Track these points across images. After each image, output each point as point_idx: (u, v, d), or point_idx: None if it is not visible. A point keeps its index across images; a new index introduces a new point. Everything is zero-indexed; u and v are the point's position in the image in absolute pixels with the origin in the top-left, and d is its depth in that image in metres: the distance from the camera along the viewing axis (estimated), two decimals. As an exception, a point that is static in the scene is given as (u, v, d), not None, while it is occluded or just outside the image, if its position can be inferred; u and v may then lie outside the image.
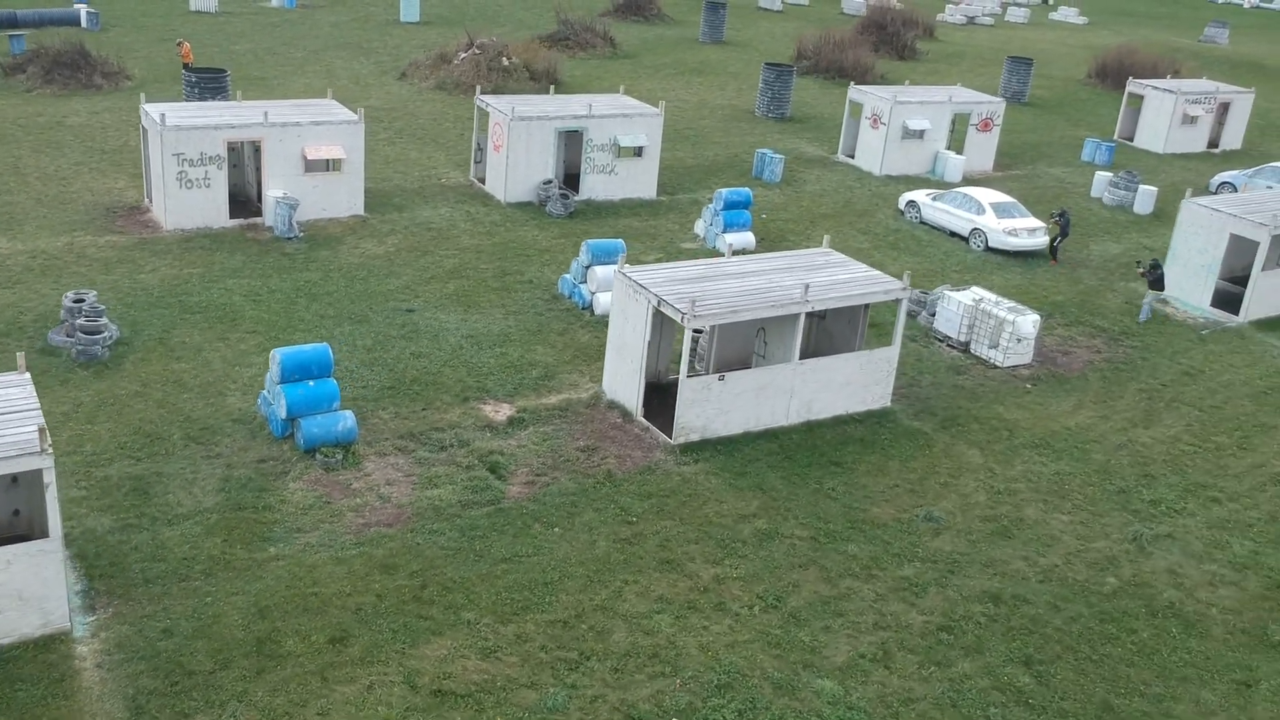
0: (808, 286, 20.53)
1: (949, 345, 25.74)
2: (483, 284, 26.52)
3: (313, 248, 27.83)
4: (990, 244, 32.00)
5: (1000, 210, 32.14)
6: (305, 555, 16.37)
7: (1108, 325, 27.71)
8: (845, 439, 21.07)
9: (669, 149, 39.51)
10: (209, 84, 35.25)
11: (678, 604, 16.03)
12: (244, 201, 29.78)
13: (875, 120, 39.12)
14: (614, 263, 25.57)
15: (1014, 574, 17.53)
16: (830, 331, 23.13)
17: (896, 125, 38.59)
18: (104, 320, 21.55)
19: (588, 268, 25.51)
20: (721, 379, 20.26)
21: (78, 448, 18.54)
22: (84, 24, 52.66)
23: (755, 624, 15.77)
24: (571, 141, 33.64)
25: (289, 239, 28.12)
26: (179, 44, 44.11)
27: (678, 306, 19.61)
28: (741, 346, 22.69)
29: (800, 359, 21.07)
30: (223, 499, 17.53)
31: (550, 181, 32.23)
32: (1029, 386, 24.15)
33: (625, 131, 33.17)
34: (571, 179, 33.65)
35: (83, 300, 21.87)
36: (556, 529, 17.54)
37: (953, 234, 33.17)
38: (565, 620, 15.47)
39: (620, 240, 25.89)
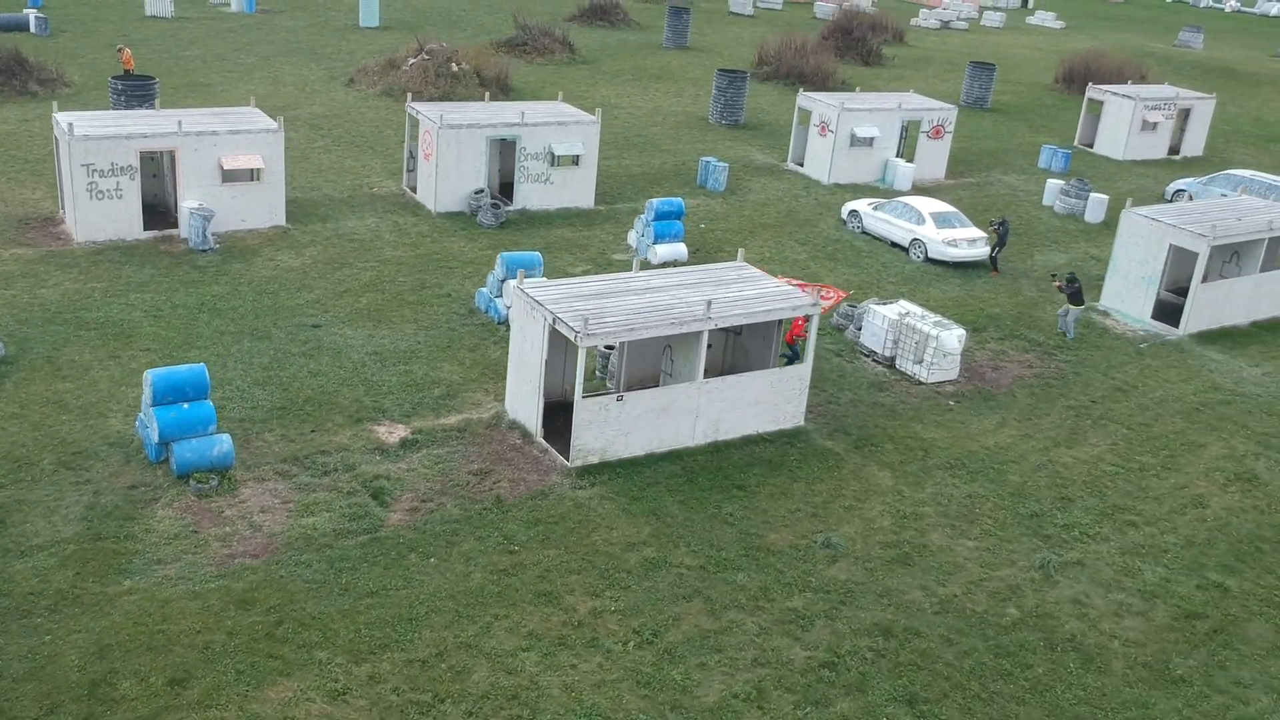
0: (710, 303, 19.82)
1: (874, 360, 25.05)
2: (398, 298, 25.77)
3: (226, 260, 27.07)
4: (930, 254, 31.31)
5: (940, 220, 31.46)
6: (160, 589, 15.61)
7: (1043, 339, 27.02)
8: (752, 460, 20.35)
9: (615, 156, 38.87)
10: (136, 91, 34.46)
11: (548, 640, 15.29)
12: (164, 213, 29.00)
13: (823, 127, 38.43)
14: (532, 274, 24.87)
15: (909, 605, 16.81)
16: (746, 349, 22.43)
17: (844, 133, 37.90)
18: (-15, 338, 20.82)
19: (503, 281, 24.78)
20: (620, 399, 19.54)
21: (-62, 474, 17.79)
22: (32, 29, 51.91)
23: (627, 661, 15.04)
24: (508, 150, 32.93)
25: (203, 251, 27.36)
26: (120, 50, 43.30)
27: (571, 324, 18.88)
28: (654, 364, 21.98)
29: (710, 377, 20.40)
30: (83, 528, 16.76)
31: (481, 191, 31.50)
32: (951, 404, 23.46)
33: (560, 139, 32.45)
34: (508, 188, 32.93)
35: (-35, 317, 21.12)
36: (432, 559, 16.80)
37: (894, 244, 32.48)
38: (424, 659, 14.73)
39: (537, 253, 25.17)
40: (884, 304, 25.65)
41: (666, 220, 29.62)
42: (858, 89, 45.04)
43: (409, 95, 34.83)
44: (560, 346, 20.40)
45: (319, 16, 62.11)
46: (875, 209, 33.09)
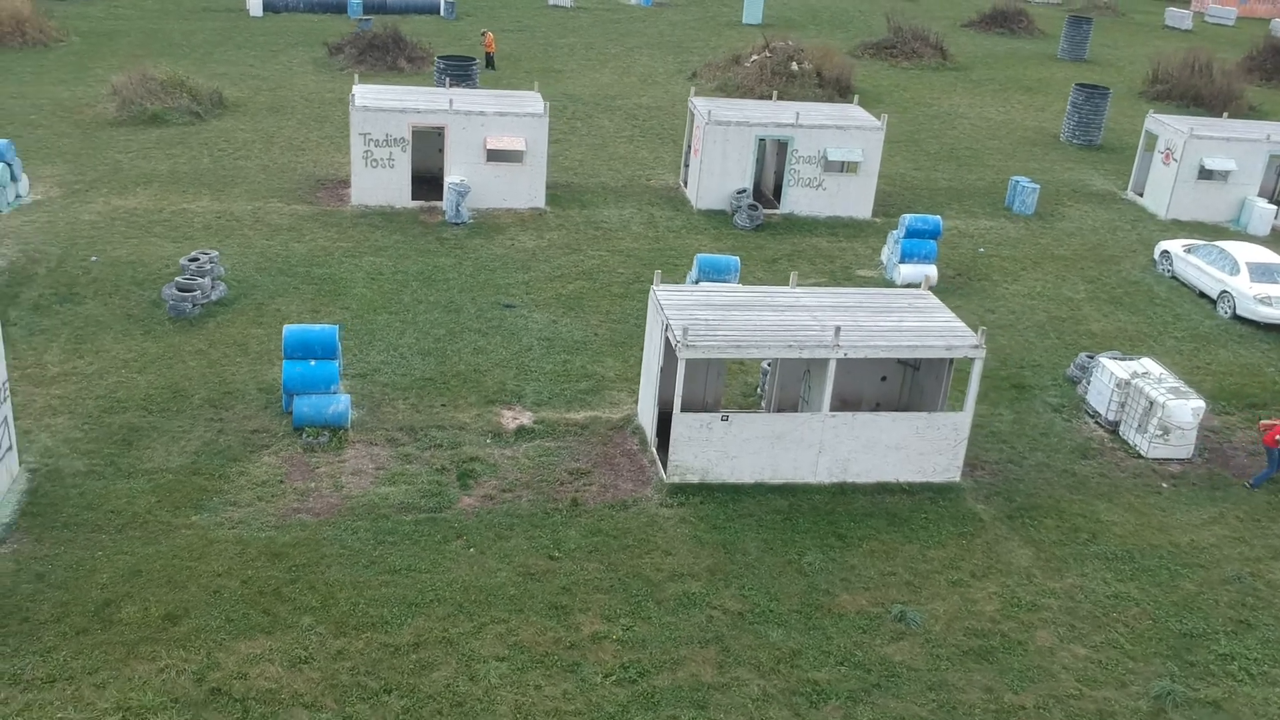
0: (838, 329, 17.92)
1: (1096, 423, 21.63)
2: (605, 289, 25.63)
3: (470, 235, 28.23)
4: (1238, 311, 26.54)
5: (1259, 273, 26.55)
6: (215, 529, 16.54)
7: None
8: (874, 511, 18.24)
9: (928, 168, 36.46)
10: (455, 71, 36.76)
11: (529, 655, 14.55)
12: (437, 185, 30.72)
13: (1168, 155, 33.70)
14: (726, 279, 23.86)
15: (959, 706, 14.34)
16: (922, 387, 20.16)
17: (1191, 162, 33.01)
18: (205, 280, 23.02)
19: (696, 284, 23.91)
20: (725, 419, 18.20)
21: (109, 394, 19.91)
22: (442, 13, 56.98)
23: (595, 695, 13.99)
24: (785, 152, 31.76)
25: (455, 224, 28.70)
26: (483, 34, 46.44)
27: (675, 333, 17.82)
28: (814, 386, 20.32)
29: (868, 411, 18.59)
30: (189, 461, 18.12)
31: (744, 191, 30.61)
32: (1164, 486, 19.74)
33: (837, 144, 30.81)
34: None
35: (197, 260, 23.48)
36: (472, 549, 16.54)
37: (1201, 294, 27.88)
38: (398, 646, 14.52)
39: (735, 258, 24.03)
40: (1122, 359, 22.05)
41: (918, 238, 27.26)
42: (1225, 115, 39.07)
43: (692, 90, 34.46)
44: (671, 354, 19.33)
45: (708, 11, 63.24)
46: (1187, 251, 28.55)
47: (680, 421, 18.07)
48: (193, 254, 23.69)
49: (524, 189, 30.02)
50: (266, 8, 55.29)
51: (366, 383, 20.87)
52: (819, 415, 18.38)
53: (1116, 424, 21.32)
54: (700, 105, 31.50)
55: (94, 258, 25.09)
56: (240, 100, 38.58)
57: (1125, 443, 20.97)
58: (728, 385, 21.81)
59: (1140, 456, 20.58)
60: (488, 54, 45.58)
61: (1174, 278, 28.88)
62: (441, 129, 29.25)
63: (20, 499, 16.87)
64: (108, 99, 36.37)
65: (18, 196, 28.33)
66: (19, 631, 14.30)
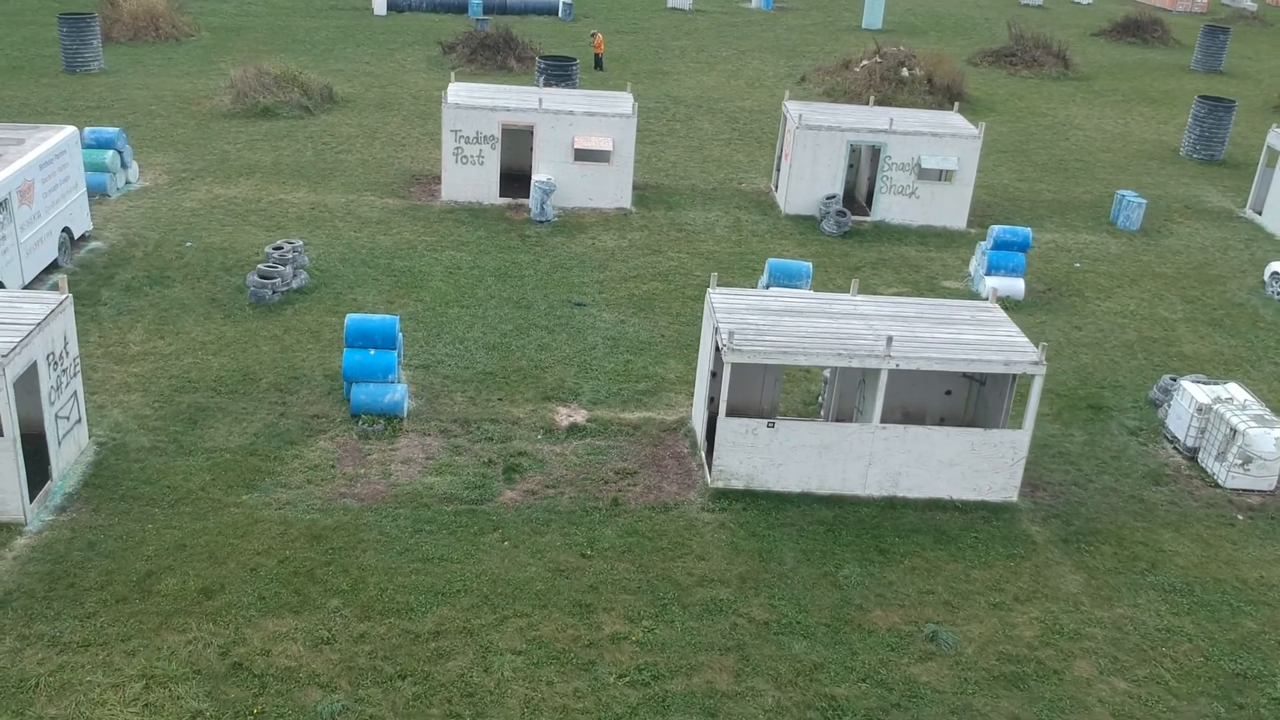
0: (890, 340, 17.50)
1: (1175, 448, 20.68)
2: (679, 291, 25.56)
3: (553, 233, 28.47)
4: (1348, 338, 25.12)
5: (1373, 298, 25.09)
6: (262, 509, 17.01)
7: None
8: (923, 527, 17.77)
9: (1034, 179, 35.43)
10: (555, 71, 37.08)
11: (546, 651, 14.59)
12: (526, 182, 31.03)
13: (1289, 172, 32.09)
14: (797, 285, 23.57)
15: (981, 733, 13.88)
16: (988, 403, 19.58)
17: (1313, 180, 31.39)
18: (286, 268, 23.71)
19: (766, 288, 23.66)
20: (771, 426, 17.95)
21: (183, 374, 20.67)
22: (560, 14, 57.63)
23: (606, 695, 13.94)
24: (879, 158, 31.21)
25: (540, 222, 28.98)
26: (593, 35, 46.78)
27: (723, 336, 17.66)
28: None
29: (931, 425, 18.21)
30: (248, 441, 18.69)
31: (833, 197, 30.16)
32: (1239, 517, 18.75)
33: (931, 151, 30.14)
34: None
35: (281, 248, 24.20)
36: (507, 542, 16.67)
37: (1311, 319, 26.48)
38: (419, 634, 14.71)
39: (807, 263, 23.68)
40: (1206, 383, 21.04)
41: (1006, 250, 26.47)
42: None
43: (786, 94, 34.09)
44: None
45: (829, 16, 62.57)
46: (1297, 274, 27.15)
47: (725, 426, 17.90)
48: (278, 243, 24.42)
49: (610, 189, 30.14)
50: (390, 6, 56.72)
51: (429, 374, 21.23)
52: (869, 426, 18.00)
53: (1195, 451, 20.36)
54: (793, 109, 31.17)
55: (189, 243, 26.09)
56: (350, 96, 39.66)
57: (1203, 471, 20.00)
58: (788, 392, 21.54)
59: (1218, 486, 19.60)
60: (596, 55, 45.92)
61: (1283, 301, 27.49)
62: (531, 127, 29.56)
63: (85, 470, 17.64)
64: (224, 92, 37.79)
65: (127, 182, 29.65)
66: (64, 596, 14.95)
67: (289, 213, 28.57)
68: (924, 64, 43.96)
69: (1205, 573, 17.23)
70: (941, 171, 30.53)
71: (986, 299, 25.63)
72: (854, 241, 29.43)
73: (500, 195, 30.10)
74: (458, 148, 29.54)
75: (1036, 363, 17.80)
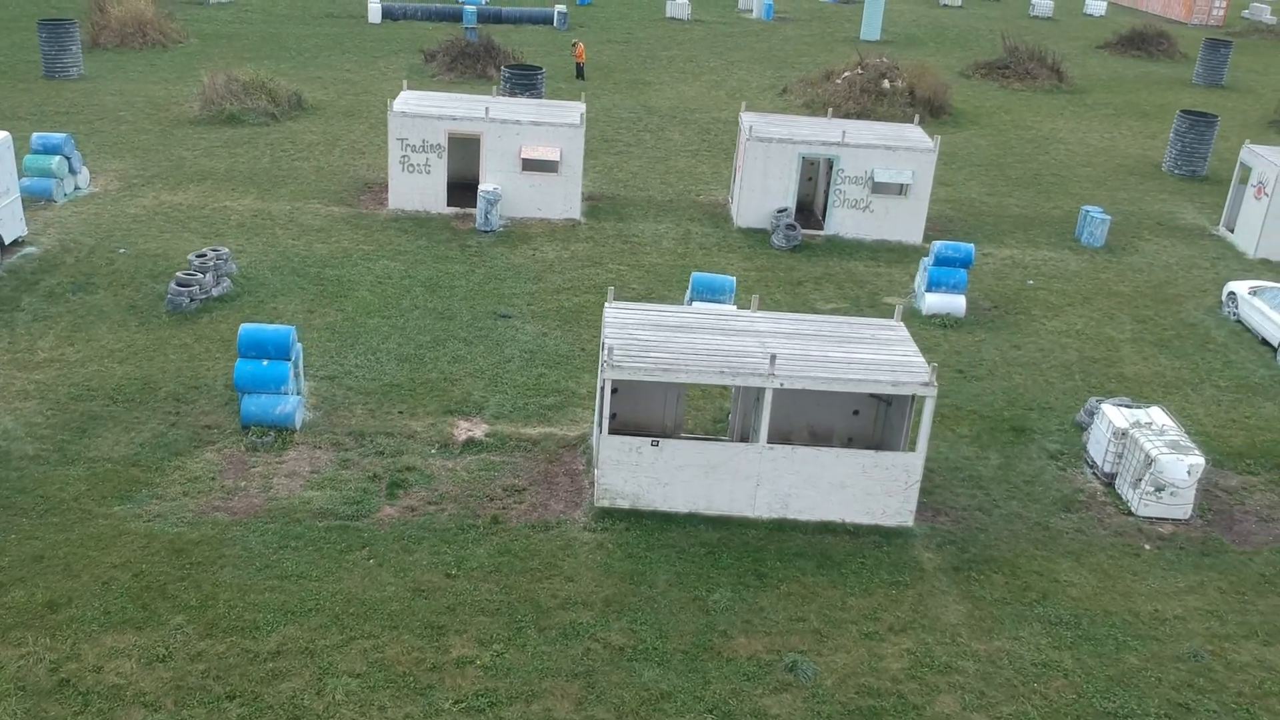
0: (774, 358, 17.02)
1: (1094, 474, 20.03)
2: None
3: (496, 243, 28.16)
4: (1297, 362, 24.33)
5: (1323, 320, 24.27)
6: (130, 521, 16.77)
7: (1380, 498, 19.89)
8: (809, 551, 17.25)
9: (1004, 193, 34.78)
10: (520, 80, 36.82)
11: (386, 674, 14.21)
12: (475, 192, 30.74)
13: (1260, 189, 31.20)
14: (720, 300, 23.11)
15: (823, 770, 13.35)
16: (893, 424, 19.04)
17: (1283, 198, 30.54)
18: (206, 276, 23.54)
19: (690, 303, 23.22)
20: (655, 444, 17.51)
21: (84, 382, 20.50)
22: (555, 23, 57.44)
23: (437, 721, 13.56)
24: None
25: (484, 232, 28.70)
26: (574, 44, 46.53)
27: (604, 352, 17.25)
28: (782, 419, 19.44)
29: (839, 445, 17.92)
30: (133, 452, 18.47)
31: (784, 210, 29.66)
32: (1147, 547, 18.09)
33: (885, 165, 29.58)
34: (829, 212, 30.74)
35: (204, 255, 24.04)
36: (372, 560, 16.32)
37: (1264, 341, 25.62)
38: (258, 653, 14.37)
39: (731, 278, 23.20)
40: (1129, 407, 20.36)
41: (947, 267, 25.87)
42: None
43: (743, 105, 33.60)
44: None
45: (828, 27, 62.04)
46: (1252, 293, 26.30)
47: (608, 444, 17.49)
48: (201, 250, 24.27)
49: (559, 199, 29.80)
50: (385, 14, 56.81)
51: (333, 385, 20.95)
52: (755, 446, 17.52)
53: (1113, 477, 19.70)
54: (746, 120, 30.72)
55: (122, 250, 25.99)
56: (321, 103, 39.60)
57: (1119, 498, 19.34)
58: (702, 410, 21.08)
59: (1131, 514, 18.94)
60: (578, 64, 45.66)
61: (1239, 321, 26.65)
62: (478, 137, 29.30)
63: (-39, 478, 17.49)
64: (194, 99, 37.84)
65: (76, 188, 29.66)
66: (-92, 607, 14.77)
67: (230, 220, 28.44)
68: (907, 76, 43.34)
69: (1097, 605, 16.59)
70: (902, 186, 29.94)
71: (894, 317, 25.10)
72: (803, 256, 28.91)
73: (448, 204, 29.84)
74: (404, 156, 29.33)
75: (927, 384, 17.25)
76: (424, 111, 29.20)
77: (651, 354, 17.40)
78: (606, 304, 18.98)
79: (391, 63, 47.05)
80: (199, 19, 53.52)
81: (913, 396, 17.94)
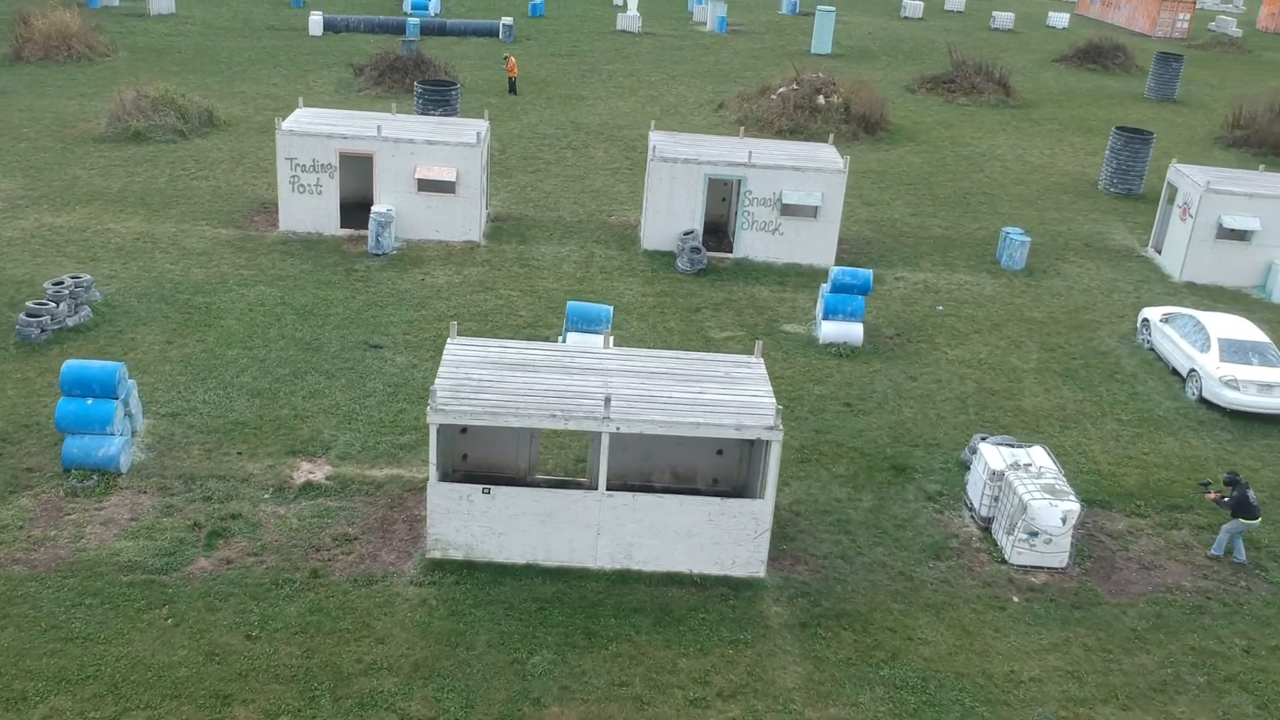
0: (608, 400, 15.96)
1: (972, 518, 18.98)
2: (491, 333, 24.06)
3: (385, 268, 27.09)
4: (1204, 394, 23.27)
5: (1231, 350, 23.21)
6: (-83, 576, 15.67)
7: (1276, 546, 18.85)
8: (649, 605, 16.17)
9: (930, 214, 33.78)
10: (434, 96, 35.77)
11: (155, 750, 13.13)
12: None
13: (1185, 210, 30.24)
14: (594, 331, 22.05)
15: None
16: (758, 465, 17.97)
17: (1207, 220, 29.51)
18: (60, 305, 22.43)
19: (563, 333, 22.16)
20: (486, 492, 16.44)
21: (-94, 420, 19.41)
22: (501, 36, 56.45)
23: (197, 806, 12.45)
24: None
25: (376, 255, 27.63)
26: (506, 58, 45.53)
27: (433, 395, 16.18)
28: (642, 459, 18.40)
29: (703, 488, 17.10)
30: (-60, 499, 17.37)
31: (690, 233, 28.63)
32: (1014, 600, 17.04)
33: (794, 186, 28.57)
34: (741, 233, 29.70)
35: (61, 283, 22.94)
36: (171, 619, 15.22)
37: (1174, 370, 24.63)
38: (18, 727, 13.29)
39: (608, 307, 22.14)
40: (1012, 445, 19.33)
41: (845, 293, 24.85)
42: (1261, 167, 35.05)
43: (652, 124, 32.58)
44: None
45: (781, 39, 61.11)
46: (1164, 321, 25.31)
47: (436, 492, 16.41)
48: (60, 278, 23.17)
49: (457, 220, 28.74)
50: (327, 27, 55.77)
51: (174, 423, 19.84)
52: (594, 494, 16.45)
53: (990, 521, 18.66)
54: (653, 139, 29.71)
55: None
56: (237, 119, 38.51)
57: (995, 544, 18.30)
58: (569, 448, 20.00)
59: (1004, 562, 17.90)
60: (510, 79, 44.66)
61: (1152, 349, 25.66)
62: (370, 156, 28.23)
63: None
64: (101, 115, 36.76)
65: (-46, 210, 28.59)
66: None
67: (110, 243, 27.34)
68: (843, 91, 42.37)
69: (949, 666, 15.53)
70: (817, 208, 28.89)
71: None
72: (707, 280, 27.87)
73: (342, 226, 28.77)
74: (294, 176, 28.26)
75: (772, 428, 16.19)
76: (314, 130, 28.15)
77: (482, 395, 16.33)
78: (449, 339, 17.92)
79: (322, 76, 46.00)
80: (134, 31, 52.45)
81: (766, 444, 16.85)
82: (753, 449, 18.11)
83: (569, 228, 30.64)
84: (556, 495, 16.55)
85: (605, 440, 16.13)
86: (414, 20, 55.93)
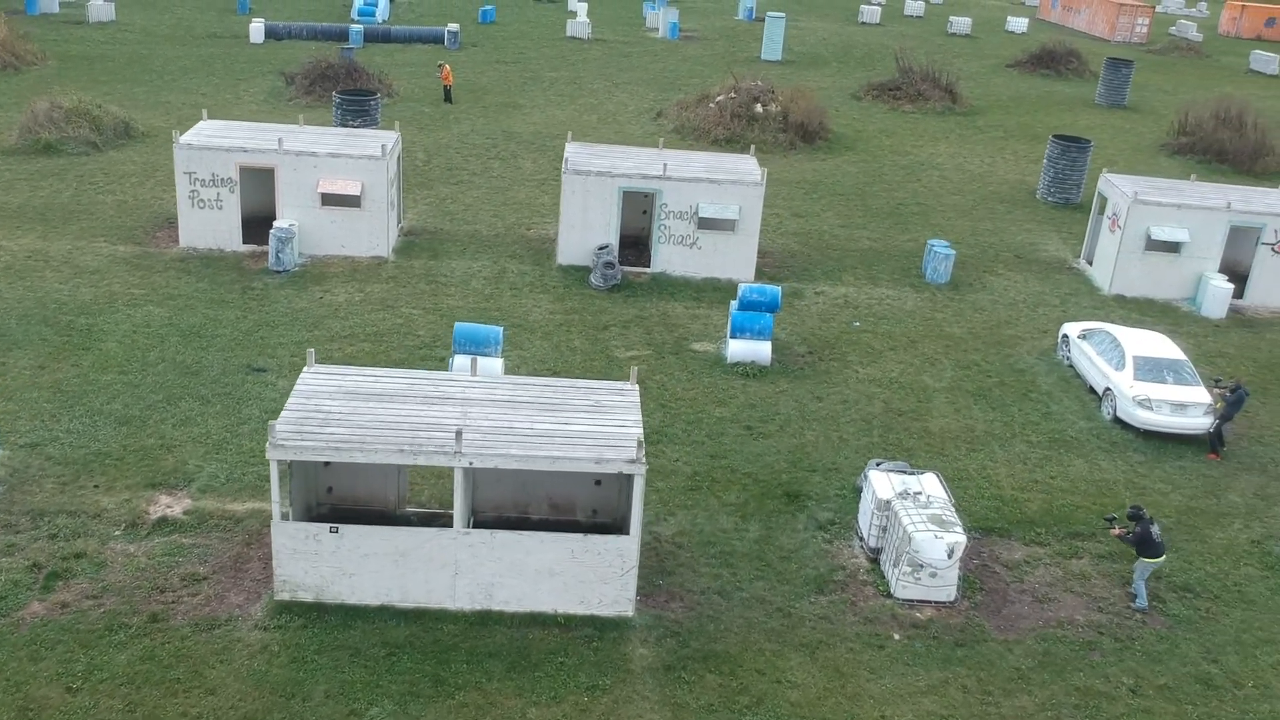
0: (459, 433, 15.14)
1: (862, 548, 18.22)
2: (385, 354, 23.20)
3: (285, 285, 26.20)
4: (1118, 413, 22.58)
5: (1145, 369, 22.52)
6: None
7: (1172, 576, 18.15)
8: (506, 649, 15.33)
9: (860, 225, 33.08)
10: (351, 107, 34.90)
11: (-57, 819, 12.25)
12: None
13: (1114, 222, 29.61)
14: (485, 353, 21.22)
15: None
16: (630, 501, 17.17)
17: (1136, 231, 28.87)
18: (-75, 329, 21.54)
19: (453, 358, 21.31)
20: (334, 531, 15.59)
21: None
22: (445, 43, 55.58)
23: None
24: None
25: (277, 272, 26.73)
26: (440, 66, 44.69)
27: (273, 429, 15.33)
28: (517, 491, 17.59)
29: (583, 519, 16.46)
30: None
31: (605, 247, 27.82)
32: (896, 637, 16.28)
33: (710, 199, 27.80)
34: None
35: (-71, 306, 22.03)
36: (-11, 671, 14.34)
37: (1092, 389, 23.95)
38: None
39: (498, 328, 21.32)
40: (906, 472, 18.57)
41: (753, 311, 24.09)
42: (1193, 176, 34.43)
43: (569, 135, 31.75)
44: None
45: (733, 46, 60.39)
46: (1081, 337, 24.63)
47: (281, 531, 15.55)
48: (-72, 300, 22.27)
49: (364, 236, 27.86)
50: (269, 34, 54.78)
51: (31, 454, 18.91)
52: (450, 532, 15.63)
53: (879, 552, 17.90)
54: (569, 151, 28.91)
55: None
56: (156, 130, 37.51)
57: (883, 576, 17.53)
58: (442, 481, 19.13)
59: (888, 595, 17.13)
60: (445, 88, 43.80)
61: (1072, 366, 24.97)
62: (271, 169, 27.34)
63: None
64: (12, 127, 35.75)
65: None
66: None
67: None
68: (782, 99, 41.64)
69: (816, 712, 14.74)
70: (735, 221, 28.10)
71: (629, 380, 23.28)
72: (621, 296, 27.06)
73: (245, 242, 27.85)
74: (194, 191, 27.35)
75: (633, 461, 15.39)
76: (213, 144, 27.24)
77: (328, 429, 15.49)
78: (305, 368, 17.07)
79: (255, 85, 45.04)
80: (69, 39, 51.38)
81: (630, 477, 16.04)
82: (632, 480, 17.31)
83: (485, 242, 29.79)
84: (410, 534, 15.71)
85: (459, 476, 15.30)
86: (358, 27, 55.00)
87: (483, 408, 16.33)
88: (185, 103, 41.53)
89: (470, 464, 15.21)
